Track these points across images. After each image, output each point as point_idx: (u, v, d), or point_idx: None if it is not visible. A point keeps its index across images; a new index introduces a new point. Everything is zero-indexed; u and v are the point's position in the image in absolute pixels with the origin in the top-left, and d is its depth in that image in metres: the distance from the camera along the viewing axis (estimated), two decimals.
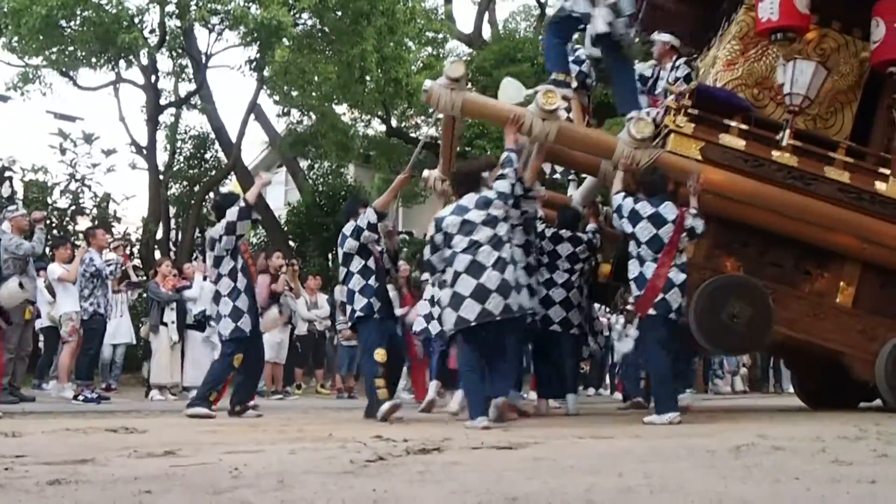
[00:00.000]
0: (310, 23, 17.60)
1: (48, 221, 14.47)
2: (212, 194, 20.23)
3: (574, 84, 8.13)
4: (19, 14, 14.69)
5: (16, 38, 15.87)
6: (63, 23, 15.66)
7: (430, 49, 21.55)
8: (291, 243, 19.87)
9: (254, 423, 6.85)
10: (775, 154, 7.41)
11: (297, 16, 16.89)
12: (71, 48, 16.63)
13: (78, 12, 15.45)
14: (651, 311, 6.55)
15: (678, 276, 6.57)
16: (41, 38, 15.59)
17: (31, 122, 43.38)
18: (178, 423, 7.05)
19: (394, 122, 21.72)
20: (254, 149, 26.53)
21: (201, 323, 11.54)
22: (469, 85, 7.47)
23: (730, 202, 7.28)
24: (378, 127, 22.21)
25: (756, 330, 7.09)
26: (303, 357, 13.65)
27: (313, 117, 20.46)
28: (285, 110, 21.17)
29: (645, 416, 6.68)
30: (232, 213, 7.57)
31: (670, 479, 3.22)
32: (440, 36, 21.04)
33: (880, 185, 7.49)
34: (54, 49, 16.54)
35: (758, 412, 7.59)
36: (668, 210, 6.69)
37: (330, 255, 20.79)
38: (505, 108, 7.44)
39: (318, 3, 16.01)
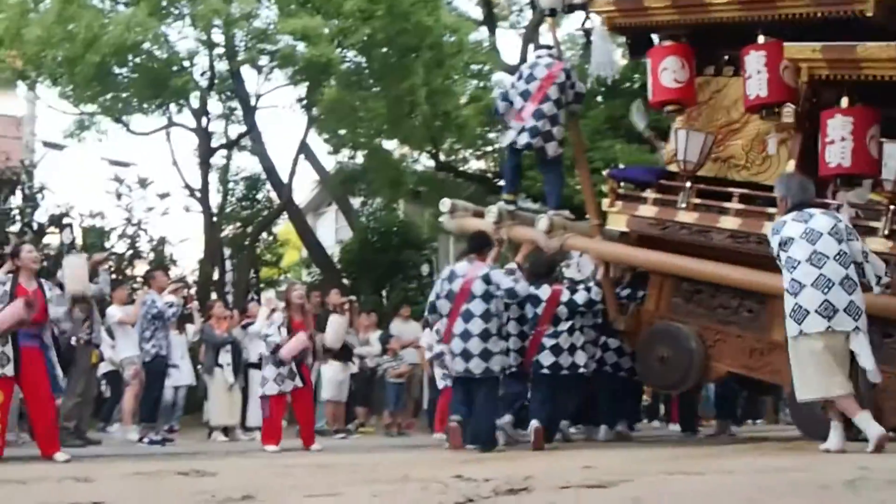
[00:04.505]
0: (357, 59, 17.65)
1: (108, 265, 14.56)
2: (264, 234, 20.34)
3: None
4: (73, 62, 14.90)
5: (70, 87, 16.14)
6: (116, 69, 15.90)
7: (476, 81, 21.48)
8: (345, 281, 19.78)
9: (323, 464, 6.71)
10: (680, 215, 8.14)
11: (345, 53, 16.95)
12: (124, 94, 16.89)
13: (130, 59, 15.68)
14: (532, 368, 8.41)
15: (549, 341, 8.29)
16: (95, 85, 15.84)
17: (86, 169, 44.24)
18: (246, 465, 6.96)
19: (442, 157, 21.63)
20: (305, 187, 26.64)
21: None
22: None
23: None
24: (427, 162, 22.15)
25: (679, 370, 8.25)
26: (358, 395, 13.45)
27: (362, 155, 20.48)
28: (335, 148, 21.19)
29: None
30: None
31: None
32: (486, 68, 20.96)
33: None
34: (108, 96, 16.82)
35: None
36: (543, 292, 8.43)
37: (384, 292, 20.66)
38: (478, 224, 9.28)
39: (365, 40, 16.05)
